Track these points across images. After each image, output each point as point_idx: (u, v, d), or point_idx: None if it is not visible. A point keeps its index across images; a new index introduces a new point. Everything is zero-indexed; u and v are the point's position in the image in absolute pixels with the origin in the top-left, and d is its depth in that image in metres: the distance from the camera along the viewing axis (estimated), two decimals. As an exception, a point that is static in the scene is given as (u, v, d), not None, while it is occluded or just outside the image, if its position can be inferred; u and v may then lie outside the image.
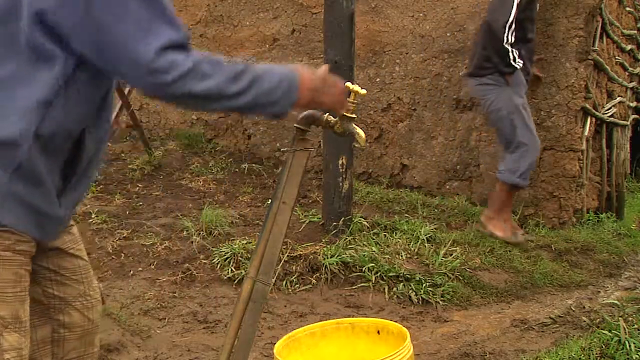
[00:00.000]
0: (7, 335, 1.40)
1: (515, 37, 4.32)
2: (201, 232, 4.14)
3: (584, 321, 3.21)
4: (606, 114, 5.40)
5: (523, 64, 4.42)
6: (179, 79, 1.37)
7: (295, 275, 3.72)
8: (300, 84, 1.54)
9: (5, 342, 1.40)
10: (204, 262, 3.82)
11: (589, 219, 5.18)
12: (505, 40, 4.29)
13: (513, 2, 4.30)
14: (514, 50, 4.33)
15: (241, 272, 3.64)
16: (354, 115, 1.71)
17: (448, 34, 5.33)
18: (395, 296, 3.66)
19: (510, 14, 4.29)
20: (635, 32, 6.22)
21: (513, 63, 4.35)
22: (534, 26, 4.58)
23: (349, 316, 3.34)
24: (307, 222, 4.38)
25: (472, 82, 4.63)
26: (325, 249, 3.88)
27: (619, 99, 5.73)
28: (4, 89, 1.36)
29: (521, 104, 4.45)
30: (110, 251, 3.91)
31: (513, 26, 4.30)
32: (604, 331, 2.70)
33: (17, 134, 1.35)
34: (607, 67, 5.28)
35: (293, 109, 1.56)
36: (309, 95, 1.56)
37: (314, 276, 3.73)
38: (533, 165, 4.48)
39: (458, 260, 3.97)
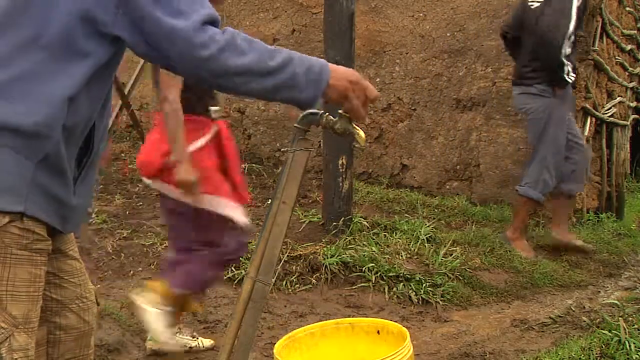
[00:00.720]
0: (17, 335, 1.40)
1: (570, 48, 4.08)
2: (201, 232, 4.14)
3: (584, 321, 3.21)
4: (606, 114, 5.40)
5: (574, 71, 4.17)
6: (218, 53, 1.39)
7: (295, 275, 3.72)
8: (331, 74, 1.55)
9: (15, 342, 1.40)
10: (204, 262, 3.82)
11: (589, 219, 5.18)
12: (562, 54, 4.04)
13: (571, 11, 4.02)
14: (569, 63, 4.10)
15: (241, 272, 3.64)
16: (354, 116, 1.71)
17: (448, 34, 5.33)
18: (395, 296, 3.66)
19: (570, 24, 4.02)
20: (635, 32, 6.23)
21: (566, 77, 4.12)
22: (582, 24, 4.33)
23: (349, 316, 3.33)
24: (307, 222, 4.38)
25: (516, 90, 4.40)
26: (325, 249, 3.88)
27: (619, 99, 5.73)
28: (32, 81, 1.38)
29: (562, 117, 4.24)
30: (110, 251, 3.91)
31: (572, 37, 4.06)
32: (604, 331, 2.70)
33: (48, 126, 1.38)
34: (607, 67, 5.28)
35: (322, 97, 1.54)
36: (339, 87, 1.56)
37: (314, 276, 3.73)
38: (552, 182, 4.28)
39: (458, 260, 3.97)
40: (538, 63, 4.19)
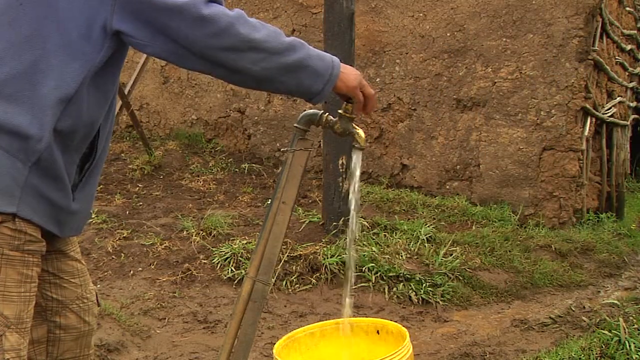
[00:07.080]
0: (9, 335, 1.40)
1: None
2: (201, 232, 4.14)
3: (584, 321, 3.21)
4: (606, 114, 5.40)
5: None
6: (230, 26, 1.37)
7: (295, 275, 3.72)
8: (341, 66, 1.54)
9: (6, 342, 1.39)
10: (204, 262, 3.82)
11: (589, 219, 5.18)
12: None
13: None
14: None
15: (241, 272, 3.64)
16: (354, 116, 1.71)
17: (448, 34, 5.32)
18: (395, 296, 3.65)
19: None
20: (635, 32, 6.23)
21: None
22: None
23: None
24: (307, 222, 4.37)
25: None
26: (325, 249, 3.88)
27: (619, 99, 5.73)
28: (25, 81, 1.36)
29: None
30: (110, 251, 3.91)
31: None
32: (604, 331, 2.70)
33: (37, 128, 1.36)
34: (607, 67, 5.28)
35: (333, 88, 1.52)
36: (349, 80, 1.54)
37: (314, 276, 3.73)
38: None
39: (458, 260, 3.97)
40: None
